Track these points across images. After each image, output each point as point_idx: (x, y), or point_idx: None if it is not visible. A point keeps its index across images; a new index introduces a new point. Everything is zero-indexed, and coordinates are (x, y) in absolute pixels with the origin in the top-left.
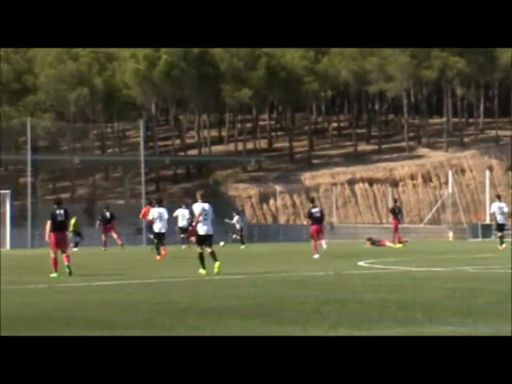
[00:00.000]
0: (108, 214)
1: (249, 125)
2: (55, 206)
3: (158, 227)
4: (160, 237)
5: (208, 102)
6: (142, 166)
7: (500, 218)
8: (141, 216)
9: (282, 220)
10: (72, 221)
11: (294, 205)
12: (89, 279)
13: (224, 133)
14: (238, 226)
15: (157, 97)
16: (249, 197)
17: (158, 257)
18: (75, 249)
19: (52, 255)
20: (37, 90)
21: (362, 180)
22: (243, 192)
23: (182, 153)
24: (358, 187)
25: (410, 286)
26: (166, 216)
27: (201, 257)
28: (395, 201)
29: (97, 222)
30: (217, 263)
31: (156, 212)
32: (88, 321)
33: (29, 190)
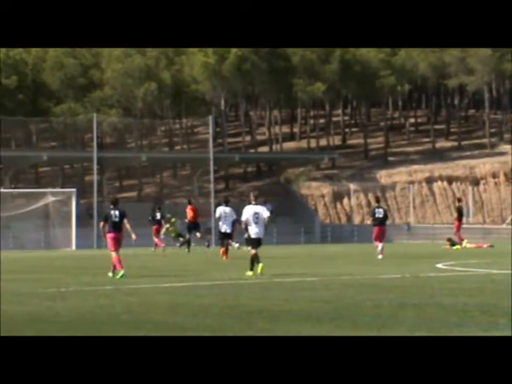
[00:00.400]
0: (158, 215)
1: (322, 120)
2: (111, 206)
3: (223, 227)
4: (225, 237)
5: (279, 97)
6: (211, 163)
7: None
8: (188, 217)
9: (356, 219)
10: (171, 222)
11: (368, 204)
12: (156, 281)
13: (296, 129)
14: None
15: (226, 92)
16: (322, 196)
17: (224, 257)
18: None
19: (114, 255)
20: (104, 85)
21: (441, 178)
22: (316, 190)
23: (252, 150)
24: (437, 185)
25: (491, 289)
26: (233, 216)
27: (252, 259)
28: (459, 200)
29: (150, 222)
30: (260, 265)
31: (221, 211)
32: (157, 324)
33: (95, 188)
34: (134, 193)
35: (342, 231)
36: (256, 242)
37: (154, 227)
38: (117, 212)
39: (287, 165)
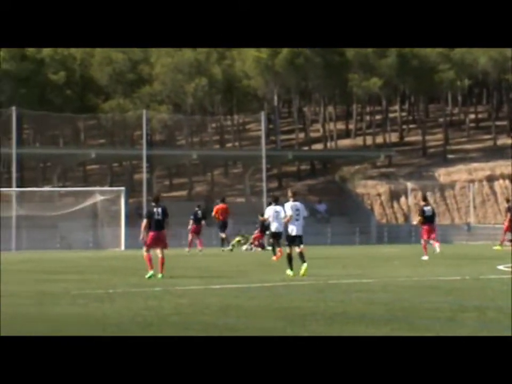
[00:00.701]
0: (199, 213)
1: (378, 117)
2: (153, 204)
3: (274, 226)
4: (276, 236)
5: (334, 93)
6: (263, 161)
7: None
8: (213, 213)
9: (414, 219)
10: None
11: None
12: (207, 282)
13: (351, 126)
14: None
15: (279, 87)
16: (379, 195)
17: (274, 258)
18: None
19: (145, 252)
20: (153, 81)
21: (502, 177)
22: (372, 189)
23: (306, 148)
24: (498, 184)
25: None
26: (282, 215)
27: (289, 258)
28: (507, 200)
29: (190, 221)
30: (304, 265)
31: (272, 211)
32: (207, 325)
33: (145, 187)
34: (184, 192)
35: (399, 231)
36: (295, 240)
37: (193, 226)
38: (159, 210)
39: (342, 162)
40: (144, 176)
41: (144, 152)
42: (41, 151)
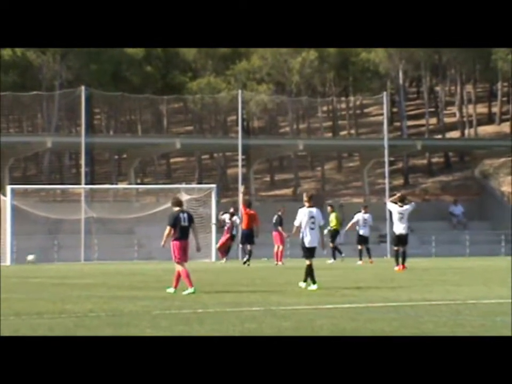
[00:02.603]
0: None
1: None
2: (177, 208)
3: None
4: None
5: (474, 68)
6: (386, 152)
7: None
8: (244, 225)
9: None
10: (332, 218)
11: None
12: (316, 300)
13: (495, 109)
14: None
15: (405, 62)
16: None
17: (396, 268)
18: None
19: (180, 268)
20: (250, 55)
21: None
22: None
23: (438, 136)
24: None
25: None
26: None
27: (309, 270)
28: None
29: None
30: (315, 287)
31: (360, 216)
32: None
33: (240, 184)
34: (288, 190)
35: None
36: (312, 252)
37: (275, 233)
38: (185, 215)
39: (483, 154)
40: (240, 171)
41: (240, 142)
42: (116, 140)
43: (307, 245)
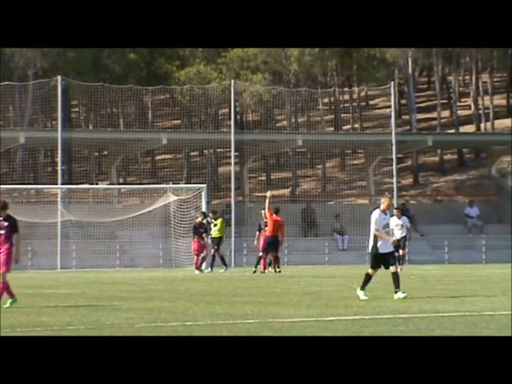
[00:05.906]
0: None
1: None
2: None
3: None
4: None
5: (491, 56)
6: (393, 149)
7: None
8: (269, 231)
9: None
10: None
11: None
12: (319, 312)
13: None
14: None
15: (415, 49)
16: None
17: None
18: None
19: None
20: None
21: None
22: None
23: (451, 131)
24: None
25: None
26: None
27: (368, 278)
28: None
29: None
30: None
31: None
32: None
33: (233, 184)
34: (286, 191)
35: None
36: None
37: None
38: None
39: (501, 151)
40: (232, 169)
41: (232, 137)
42: (96, 135)
43: (380, 250)
